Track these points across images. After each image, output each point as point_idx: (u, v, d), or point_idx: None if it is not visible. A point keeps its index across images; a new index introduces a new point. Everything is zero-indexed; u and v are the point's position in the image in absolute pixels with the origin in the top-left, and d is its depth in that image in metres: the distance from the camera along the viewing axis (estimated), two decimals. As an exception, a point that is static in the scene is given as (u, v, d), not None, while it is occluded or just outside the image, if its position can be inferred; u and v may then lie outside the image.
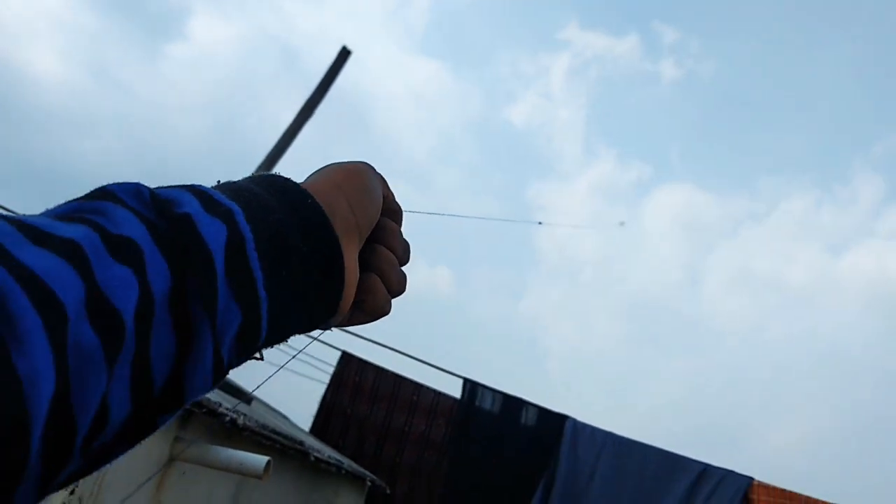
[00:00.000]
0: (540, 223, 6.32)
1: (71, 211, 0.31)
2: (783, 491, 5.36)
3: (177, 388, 0.32)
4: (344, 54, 6.82)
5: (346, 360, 7.20)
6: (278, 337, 0.40)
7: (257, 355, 0.39)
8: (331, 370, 7.27)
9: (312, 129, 6.76)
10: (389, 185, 0.54)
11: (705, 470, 5.57)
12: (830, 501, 5.25)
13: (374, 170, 0.51)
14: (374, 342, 7.06)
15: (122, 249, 0.29)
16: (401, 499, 6.81)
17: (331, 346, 7.12)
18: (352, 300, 0.45)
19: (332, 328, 0.48)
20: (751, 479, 5.48)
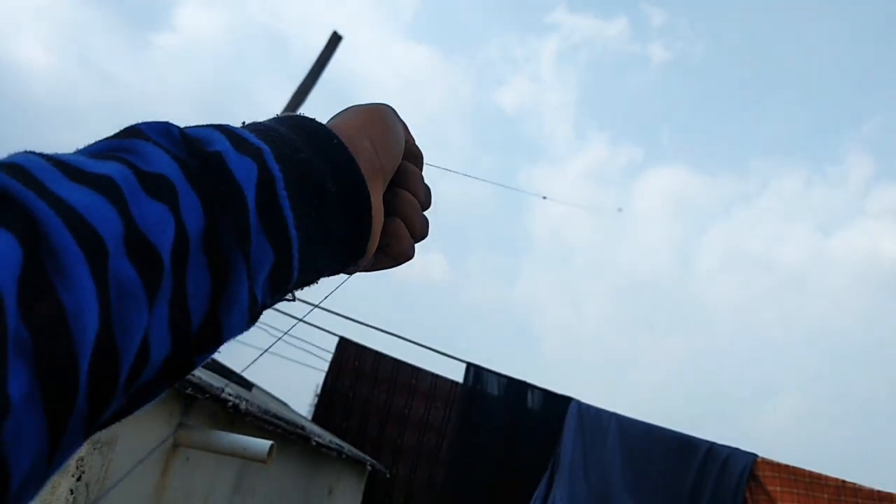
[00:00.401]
0: (545, 198, 6.34)
1: (103, 149, 0.31)
2: (787, 467, 5.39)
3: (214, 326, 0.32)
4: (335, 40, 6.75)
5: (344, 345, 7.21)
6: (309, 278, 0.40)
7: (289, 296, 0.40)
8: (323, 357, 7.29)
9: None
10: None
11: (711, 448, 5.56)
12: (833, 476, 5.30)
13: (396, 112, 0.50)
14: (374, 328, 7.07)
15: (156, 186, 0.29)
16: (402, 481, 6.85)
17: (328, 331, 7.12)
18: (377, 243, 0.45)
19: (359, 271, 0.48)
20: (755, 455, 5.51)
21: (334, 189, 0.39)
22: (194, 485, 3.20)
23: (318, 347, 7.44)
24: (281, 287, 0.36)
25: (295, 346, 7.50)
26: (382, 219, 0.45)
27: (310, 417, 7.11)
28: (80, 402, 0.24)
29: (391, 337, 7.03)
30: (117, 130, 0.32)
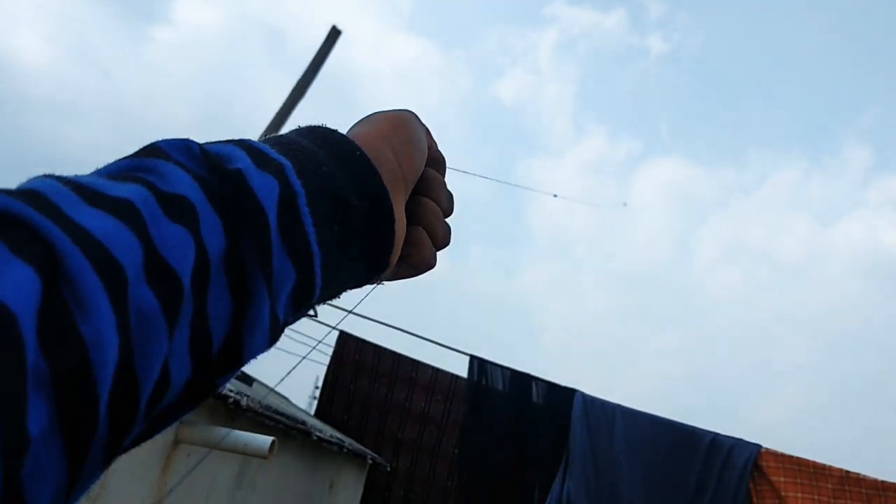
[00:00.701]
0: (555, 196, 6.33)
1: (122, 169, 0.30)
2: (791, 457, 5.38)
3: (235, 348, 0.32)
4: (334, 34, 6.70)
5: (344, 339, 7.22)
6: (332, 293, 0.40)
7: (311, 312, 0.39)
8: (323, 351, 7.29)
9: (302, 112, 6.68)
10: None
11: (714, 439, 5.55)
12: (837, 467, 5.30)
13: (419, 118, 0.50)
14: (379, 322, 7.05)
15: (177, 208, 0.29)
16: (403, 474, 6.88)
17: (329, 326, 7.11)
18: (399, 254, 0.45)
19: (381, 283, 0.47)
20: (759, 446, 5.49)
21: (357, 203, 0.39)
22: (196, 481, 3.19)
23: (318, 341, 7.43)
24: (303, 304, 0.36)
25: (295, 339, 7.51)
26: (404, 231, 0.45)
27: (310, 411, 7.12)
28: (100, 432, 0.24)
29: (390, 330, 7.00)
30: (137, 149, 0.32)
